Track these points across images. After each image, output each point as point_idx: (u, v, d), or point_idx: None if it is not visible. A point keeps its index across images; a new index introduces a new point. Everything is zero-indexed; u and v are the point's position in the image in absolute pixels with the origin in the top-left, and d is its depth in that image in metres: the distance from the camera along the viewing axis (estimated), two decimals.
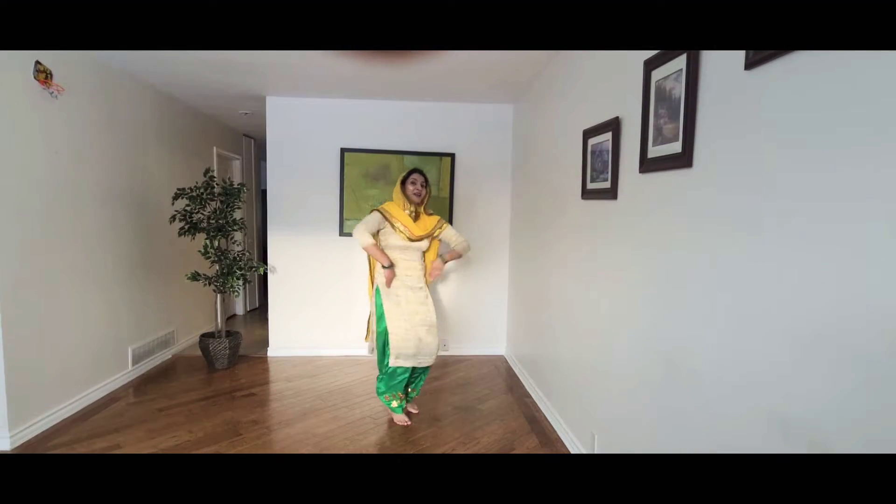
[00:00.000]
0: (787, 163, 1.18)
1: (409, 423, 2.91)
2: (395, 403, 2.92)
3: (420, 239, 2.87)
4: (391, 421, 2.95)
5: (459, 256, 3.09)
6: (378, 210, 2.86)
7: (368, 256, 2.99)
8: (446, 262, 3.06)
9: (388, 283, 2.83)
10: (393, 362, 2.82)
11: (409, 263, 2.89)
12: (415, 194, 2.85)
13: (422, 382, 3.10)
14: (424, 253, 2.98)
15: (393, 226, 2.83)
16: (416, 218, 2.89)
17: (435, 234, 2.96)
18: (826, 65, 1.07)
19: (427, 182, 2.91)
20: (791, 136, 1.17)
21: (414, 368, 2.93)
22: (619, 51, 2.11)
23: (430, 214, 2.99)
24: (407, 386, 3.00)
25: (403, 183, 2.88)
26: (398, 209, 2.87)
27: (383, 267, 2.83)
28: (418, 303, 2.87)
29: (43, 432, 2.71)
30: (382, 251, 2.85)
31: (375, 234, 2.85)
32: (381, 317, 2.87)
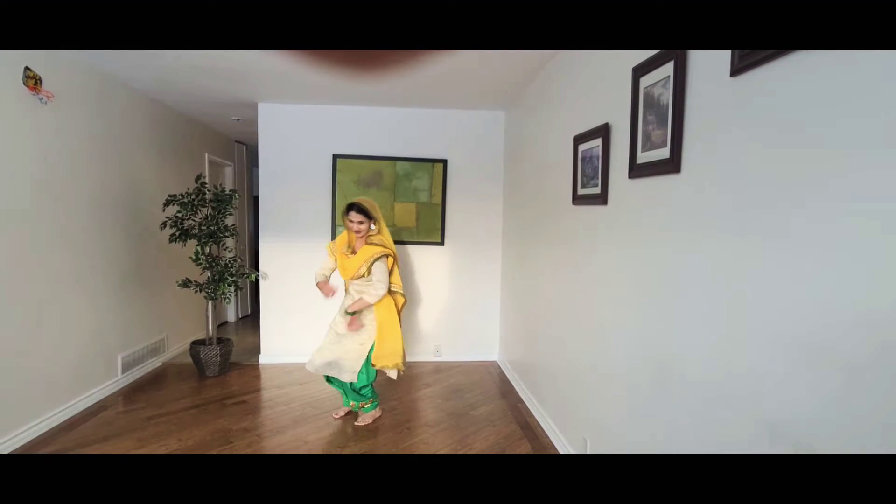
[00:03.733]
0: (773, 168, 1.20)
1: (335, 415, 3.10)
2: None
3: (351, 279, 2.92)
4: (383, 427, 2.96)
5: (366, 305, 2.86)
6: (327, 247, 3.10)
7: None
8: (352, 314, 2.89)
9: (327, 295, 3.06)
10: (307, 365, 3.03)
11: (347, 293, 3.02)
12: (354, 231, 2.87)
13: (349, 397, 3.01)
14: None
15: (335, 260, 3.02)
16: (353, 252, 2.89)
17: (362, 273, 2.84)
18: (810, 71, 1.09)
19: (366, 216, 2.83)
20: (776, 141, 1.19)
21: (335, 379, 3.02)
22: (608, 58, 2.13)
23: (375, 244, 2.86)
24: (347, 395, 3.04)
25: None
26: (342, 244, 2.96)
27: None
28: (343, 325, 2.93)
29: (29, 442, 2.66)
30: (325, 284, 3.05)
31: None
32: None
